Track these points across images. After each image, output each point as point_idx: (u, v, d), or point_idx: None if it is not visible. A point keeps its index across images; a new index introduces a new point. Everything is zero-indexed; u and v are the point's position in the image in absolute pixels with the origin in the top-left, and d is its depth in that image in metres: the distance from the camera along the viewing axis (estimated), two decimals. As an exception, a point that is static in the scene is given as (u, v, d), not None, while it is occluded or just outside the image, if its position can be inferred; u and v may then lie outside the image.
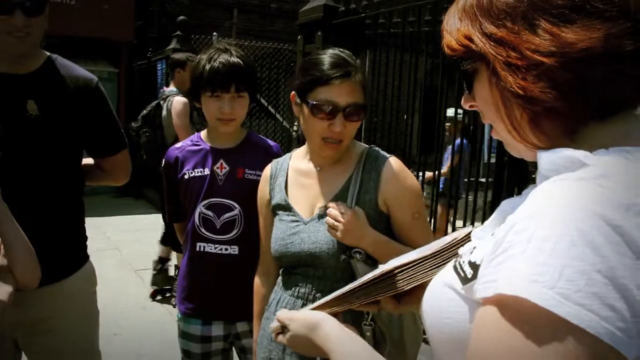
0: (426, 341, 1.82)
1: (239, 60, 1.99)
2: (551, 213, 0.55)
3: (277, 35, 10.37)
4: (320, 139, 1.53)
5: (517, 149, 0.75)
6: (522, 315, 0.53)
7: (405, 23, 3.91)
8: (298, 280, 1.58)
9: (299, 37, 4.65)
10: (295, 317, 1.01)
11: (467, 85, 0.78)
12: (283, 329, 1.05)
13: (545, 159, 0.66)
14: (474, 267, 0.68)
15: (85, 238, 2.09)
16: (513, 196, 3.06)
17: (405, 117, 4.26)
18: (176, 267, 4.71)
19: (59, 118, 1.89)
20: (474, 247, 0.74)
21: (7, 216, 1.53)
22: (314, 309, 1.05)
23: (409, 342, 1.49)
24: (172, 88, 4.71)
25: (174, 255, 4.80)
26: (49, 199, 1.90)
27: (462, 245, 0.96)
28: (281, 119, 9.10)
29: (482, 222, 3.13)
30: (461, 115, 3.84)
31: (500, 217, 0.75)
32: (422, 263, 0.94)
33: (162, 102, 4.64)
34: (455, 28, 0.75)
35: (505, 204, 0.79)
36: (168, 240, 4.80)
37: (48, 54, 1.97)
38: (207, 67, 1.96)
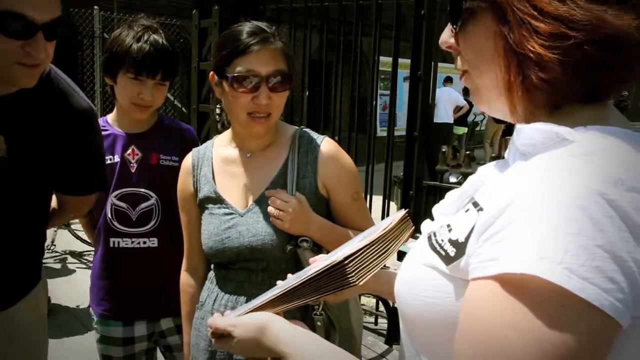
0: (390, 343, 1.81)
1: (168, 44, 1.82)
2: (550, 190, 0.56)
3: (162, 10, 9.84)
4: (246, 115, 1.40)
5: (490, 104, 0.73)
6: (527, 290, 0.54)
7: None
8: (238, 275, 1.47)
9: (194, 11, 4.40)
10: (239, 322, 0.93)
11: (456, 21, 0.72)
12: (221, 335, 0.96)
13: (525, 133, 0.65)
14: (457, 245, 0.67)
15: (42, 254, 1.67)
16: (422, 172, 3.12)
17: (307, 93, 4.21)
18: None
19: (31, 161, 1.46)
20: (448, 225, 0.71)
21: None
22: (256, 309, 0.96)
23: (356, 326, 1.46)
24: None
25: None
26: (5, 235, 1.49)
27: (400, 229, 0.91)
28: (172, 98, 8.70)
29: (384, 197, 3.18)
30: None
31: (467, 194, 0.75)
32: (368, 249, 0.87)
33: None
34: None
35: (468, 183, 0.79)
36: None
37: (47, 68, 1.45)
38: (135, 46, 1.75)
